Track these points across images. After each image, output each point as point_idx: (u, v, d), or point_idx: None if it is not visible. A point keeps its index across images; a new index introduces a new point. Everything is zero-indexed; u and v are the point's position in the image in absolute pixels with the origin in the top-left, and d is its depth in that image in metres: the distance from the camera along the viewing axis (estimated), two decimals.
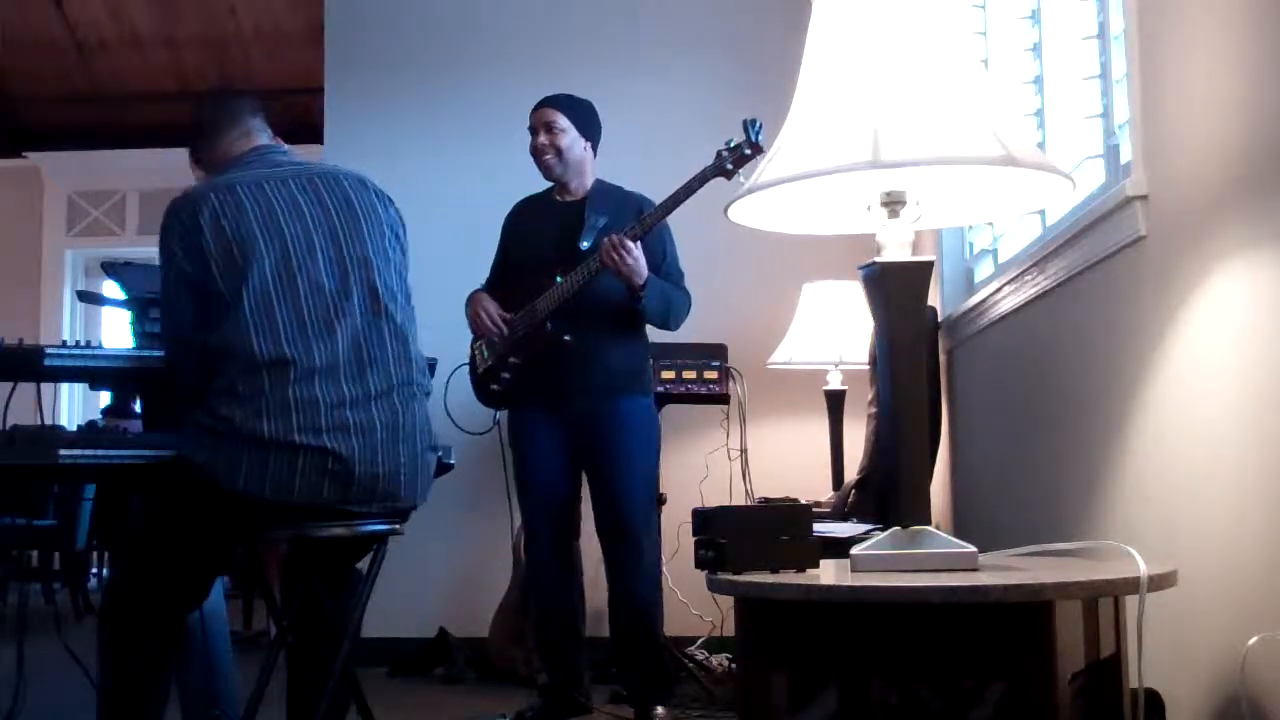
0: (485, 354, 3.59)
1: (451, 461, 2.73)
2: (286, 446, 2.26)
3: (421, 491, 2.49)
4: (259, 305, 2.31)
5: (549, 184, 3.66)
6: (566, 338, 3.41)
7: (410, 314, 2.55)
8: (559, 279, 3.42)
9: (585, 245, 3.44)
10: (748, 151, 3.27)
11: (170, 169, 8.37)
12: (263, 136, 2.60)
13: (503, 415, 3.69)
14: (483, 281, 3.70)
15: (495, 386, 3.56)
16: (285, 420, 2.26)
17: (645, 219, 3.35)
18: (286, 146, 2.62)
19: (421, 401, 2.50)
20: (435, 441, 2.53)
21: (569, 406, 3.48)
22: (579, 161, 3.59)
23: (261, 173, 2.46)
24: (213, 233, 2.34)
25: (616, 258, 3.29)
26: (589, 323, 3.43)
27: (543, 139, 3.56)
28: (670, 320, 3.52)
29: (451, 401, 3.83)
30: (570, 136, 3.56)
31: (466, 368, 3.67)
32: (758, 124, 3.28)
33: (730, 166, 3.28)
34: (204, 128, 2.61)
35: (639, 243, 3.33)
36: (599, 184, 3.62)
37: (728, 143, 3.30)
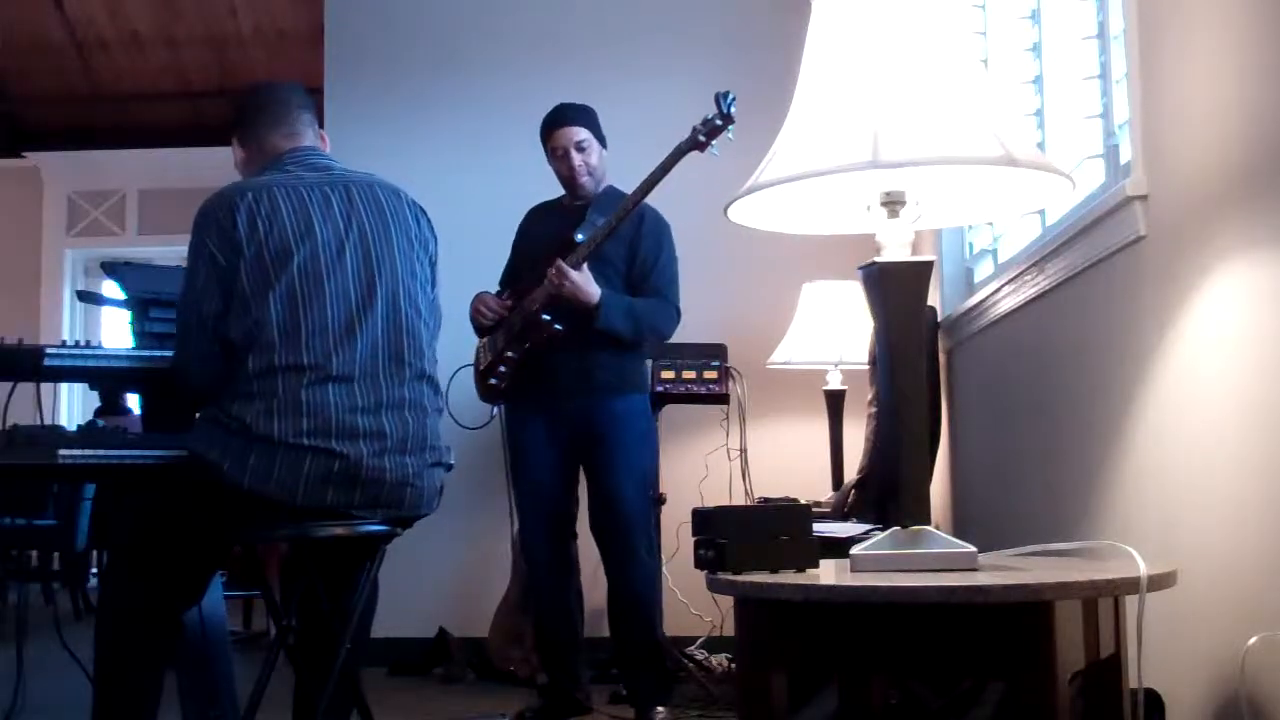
0: (487, 351, 3.61)
1: (451, 461, 2.73)
2: (294, 448, 2.27)
3: (427, 504, 2.50)
4: (284, 308, 2.32)
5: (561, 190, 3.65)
6: (557, 326, 3.41)
7: (432, 330, 2.56)
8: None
9: (580, 238, 3.44)
10: (719, 123, 3.30)
11: (170, 169, 8.45)
12: (308, 136, 2.61)
13: (500, 410, 3.70)
14: (482, 280, 3.71)
15: (493, 380, 3.56)
16: (295, 421, 2.28)
17: (622, 208, 3.35)
18: (328, 149, 2.63)
19: (434, 417, 2.51)
20: (446, 458, 2.54)
21: (564, 405, 3.48)
22: (604, 173, 3.60)
23: (299, 175, 2.48)
24: (247, 229, 2.35)
25: (556, 283, 3.32)
26: (582, 320, 3.43)
27: (577, 160, 3.53)
28: (644, 335, 3.48)
29: (453, 401, 3.84)
30: (597, 151, 3.57)
31: (470, 369, 3.68)
32: (730, 96, 3.32)
33: (704, 139, 3.31)
34: (249, 113, 2.61)
35: (615, 246, 3.35)
36: (610, 189, 3.60)
37: (703, 118, 3.32)
